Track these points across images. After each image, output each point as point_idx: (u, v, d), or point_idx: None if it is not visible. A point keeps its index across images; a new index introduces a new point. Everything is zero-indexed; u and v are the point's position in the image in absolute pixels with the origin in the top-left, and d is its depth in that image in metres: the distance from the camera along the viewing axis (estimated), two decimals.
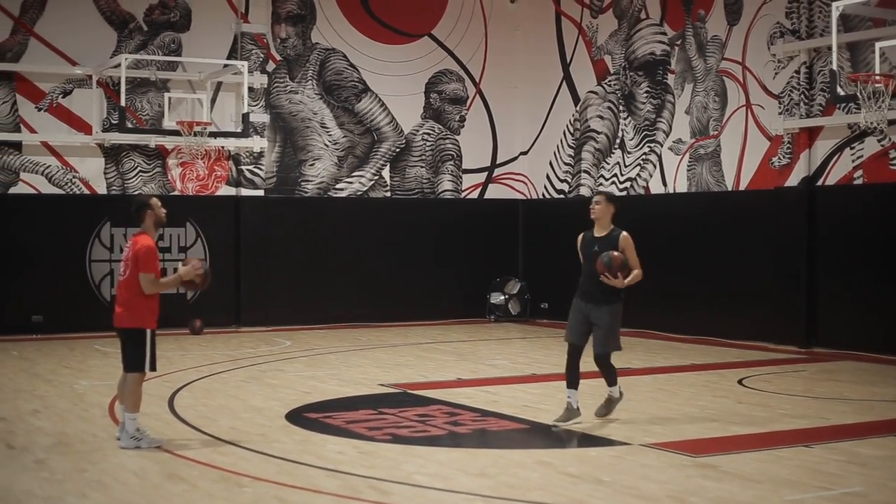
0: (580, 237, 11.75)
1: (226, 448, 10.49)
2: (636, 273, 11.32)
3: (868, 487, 8.95)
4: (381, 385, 14.67)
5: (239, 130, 21.94)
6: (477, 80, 25.28)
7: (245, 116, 21.52)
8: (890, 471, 9.48)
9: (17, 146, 21.11)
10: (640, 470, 9.56)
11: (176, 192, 22.18)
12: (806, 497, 8.69)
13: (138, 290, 10.31)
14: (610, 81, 23.36)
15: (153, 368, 10.50)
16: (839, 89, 16.29)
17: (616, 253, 11.30)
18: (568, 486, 9.00)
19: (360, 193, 23.98)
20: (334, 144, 23.70)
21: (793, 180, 19.35)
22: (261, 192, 22.94)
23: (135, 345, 10.34)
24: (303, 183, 23.42)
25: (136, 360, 10.36)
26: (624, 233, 11.45)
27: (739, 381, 14.99)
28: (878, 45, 16.12)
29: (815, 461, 9.83)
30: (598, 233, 11.58)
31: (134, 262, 10.33)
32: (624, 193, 22.61)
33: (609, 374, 11.71)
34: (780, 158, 19.63)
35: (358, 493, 8.80)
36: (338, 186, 23.75)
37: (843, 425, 11.72)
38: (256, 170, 22.91)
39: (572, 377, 11.57)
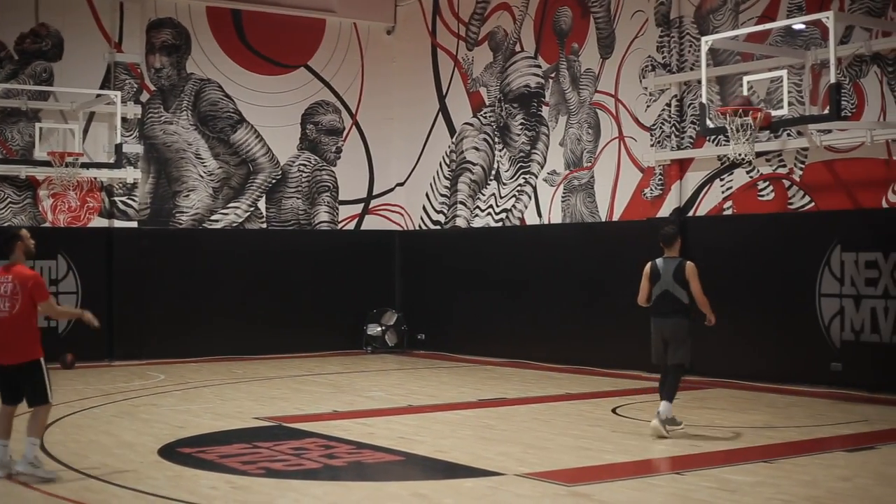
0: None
1: (96, 485, 10.29)
2: None
3: None
4: (256, 418, 14.53)
5: (112, 161, 21.63)
6: (353, 112, 25.29)
7: (118, 147, 21.25)
8: (760, 497, 9.62)
9: None
10: (514, 500, 9.60)
11: (47, 224, 21.78)
12: None
13: (30, 323, 10.39)
14: (485, 113, 23.54)
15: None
16: (709, 122, 16.58)
17: None
18: None
19: (235, 225, 23.79)
20: (209, 175, 23.50)
21: (664, 211, 19.65)
22: (134, 224, 22.61)
23: (37, 377, 10.40)
24: (177, 214, 23.17)
25: (42, 391, 10.45)
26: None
27: (613, 410, 15.15)
28: (745, 78, 16.47)
29: (686, 488, 9.96)
30: None
31: (27, 292, 10.36)
32: (500, 224, 22.80)
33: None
34: (652, 190, 19.93)
35: None
36: (213, 218, 23.55)
37: (714, 452, 11.88)
38: (130, 201, 22.60)
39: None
